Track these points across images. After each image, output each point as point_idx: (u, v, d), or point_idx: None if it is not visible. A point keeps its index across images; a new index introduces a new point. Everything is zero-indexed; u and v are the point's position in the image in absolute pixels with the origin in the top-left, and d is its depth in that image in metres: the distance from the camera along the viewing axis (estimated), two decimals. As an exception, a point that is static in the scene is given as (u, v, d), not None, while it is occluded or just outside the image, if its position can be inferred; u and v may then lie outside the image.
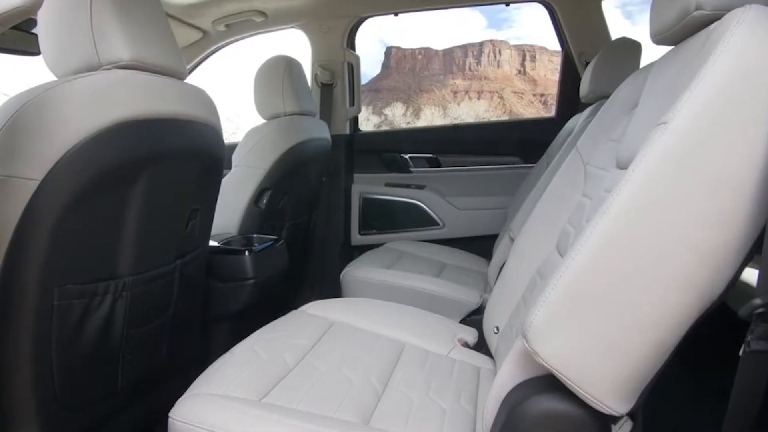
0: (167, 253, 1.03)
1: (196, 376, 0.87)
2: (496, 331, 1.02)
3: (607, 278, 0.57)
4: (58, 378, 0.84)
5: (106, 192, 0.83)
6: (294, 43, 2.17)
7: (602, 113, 1.01)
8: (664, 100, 0.71)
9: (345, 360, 0.95)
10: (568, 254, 0.59)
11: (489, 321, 1.08)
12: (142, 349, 1.00)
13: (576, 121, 1.68)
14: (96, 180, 0.79)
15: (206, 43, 2.10)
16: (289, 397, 0.81)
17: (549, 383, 0.62)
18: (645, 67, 0.91)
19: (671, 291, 0.55)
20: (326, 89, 2.12)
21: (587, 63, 1.83)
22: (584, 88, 1.55)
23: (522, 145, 2.12)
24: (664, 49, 0.82)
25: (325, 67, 2.10)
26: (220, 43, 2.14)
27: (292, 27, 2.10)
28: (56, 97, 0.75)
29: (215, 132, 1.06)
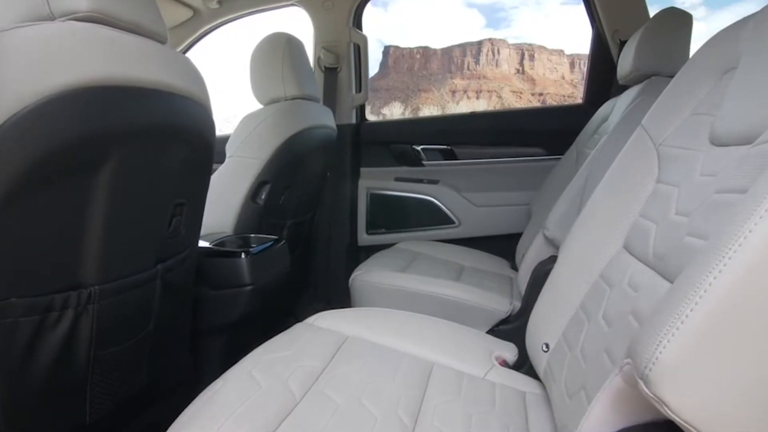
0: (145, 256, 0.85)
1: (186, 402, 0.72)
2: (545, 348, 0.86)
3: None
4: (3, 418, 0.68)
5: (60, 179, 0.65)
6: (295, 26, 1.99)
7: (674, 86, 0.84)
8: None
9: (365, 387, 0.79)
10: (707, 266, 0.41)
11: (535, 336, 0.91)
12: (115, 373, 0.84)
13: (611, 106, 1.51)
14: (44, 162, 0.61)
15: (197, 22, 1.92)
16: (297, 443, 0.63)
17: None
18: (734, 25, 0.74)
19: None
20: (330, 74, 1.93)
21: (621, 42, 1.67)
22: (624, 67, 1.37)
23: (546, 134, 1.94)
24: None
25: (329, 49, 1.91)
26: (213, 23, 1.96)
27: (292, 4, 1.92)
28: None
29: (204, 109, 0.88)
